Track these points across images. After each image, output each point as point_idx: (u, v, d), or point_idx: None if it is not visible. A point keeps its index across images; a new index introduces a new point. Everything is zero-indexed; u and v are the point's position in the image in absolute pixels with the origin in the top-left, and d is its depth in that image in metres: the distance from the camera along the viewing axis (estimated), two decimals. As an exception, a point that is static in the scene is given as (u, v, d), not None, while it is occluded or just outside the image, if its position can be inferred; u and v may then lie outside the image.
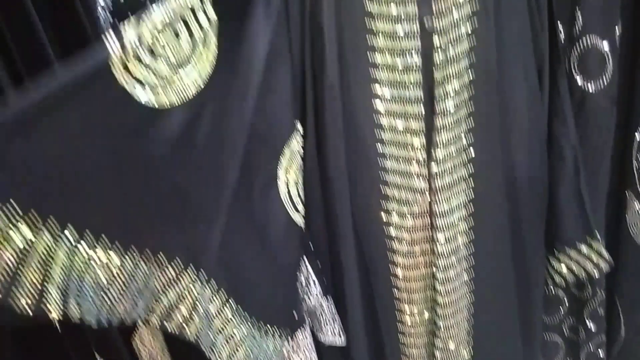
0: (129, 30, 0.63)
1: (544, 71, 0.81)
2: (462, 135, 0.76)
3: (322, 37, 0.75)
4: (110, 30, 0.63)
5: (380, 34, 0.72)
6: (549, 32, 0.80)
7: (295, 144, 0.77)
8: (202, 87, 0.68)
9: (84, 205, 0.63)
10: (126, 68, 0.62)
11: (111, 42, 0.61)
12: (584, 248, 0.84)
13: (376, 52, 0.74)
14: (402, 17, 0.71)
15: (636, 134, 0.84)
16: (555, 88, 0.82)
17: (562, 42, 0.81)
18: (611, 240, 0.90)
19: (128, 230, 0.66)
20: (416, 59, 0.73)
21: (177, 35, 0.65)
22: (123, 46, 0.62)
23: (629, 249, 0.90)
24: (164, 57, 0.65)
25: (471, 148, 0.76)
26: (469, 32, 0.72)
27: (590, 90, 0.81)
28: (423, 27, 0.72)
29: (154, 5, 0.65)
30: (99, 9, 0.78)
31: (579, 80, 0.82)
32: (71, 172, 0.62)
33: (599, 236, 0.83)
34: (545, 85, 0.81)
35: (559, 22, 0.81)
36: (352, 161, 0.78)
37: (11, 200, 0.58)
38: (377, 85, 0.74)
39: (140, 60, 0.63)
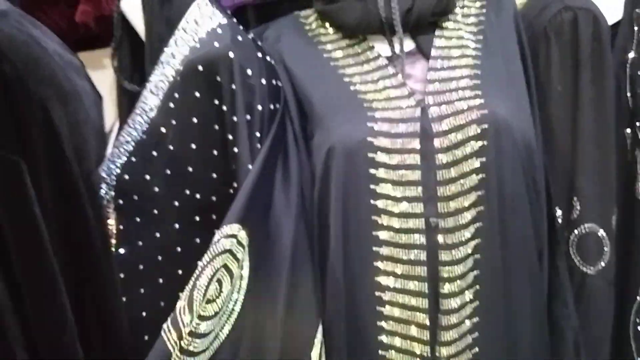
0: (185, 318, 0.64)
1: (543, 254, 0.82)
2: (467, 333, 0.76)
3: (328, 230, 0.76)
4: (169, 324, 0.64)
5: (385, 229, 0.73)
6: (547, 217, 0.82)
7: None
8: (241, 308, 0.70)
9: None
10: (182, 349, 0.64)
11: (171, 338, 0.63)
12: None
13: (382, 246, 0.74)
14: (408, 214, 0.72)
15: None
16: (554, 269, 0.83)
17: (560, 226, 0.83)
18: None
19: None
20: (421, 255, 0.73)
21: (220, 283, 0.67)
22: (180, 336, 0.63)
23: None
24: (213, 317, 0.66)
25: (476, 347, 0.77)
26: (474, 232, 0.73)
27: (590, 272, 0.83)
28: (428, 225, 0.73)
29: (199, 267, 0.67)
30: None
31: (577, 262, 0.84)
32: None
33: None
34: (545, 266, 0.83)
35: (557, 207, 0.83)
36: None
37: None
38: (382, 276, 0.75)
39: (194, 334, 0.64)
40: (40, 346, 0.68)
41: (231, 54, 0.71)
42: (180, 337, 0.63)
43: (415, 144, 0.72)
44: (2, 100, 0.59)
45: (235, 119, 0.73)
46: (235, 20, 0.79)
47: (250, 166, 0.74)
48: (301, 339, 0.74)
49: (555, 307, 0.83)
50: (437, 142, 0.72)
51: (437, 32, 0.80)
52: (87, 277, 0.71)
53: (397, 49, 0.78)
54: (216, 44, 0.72)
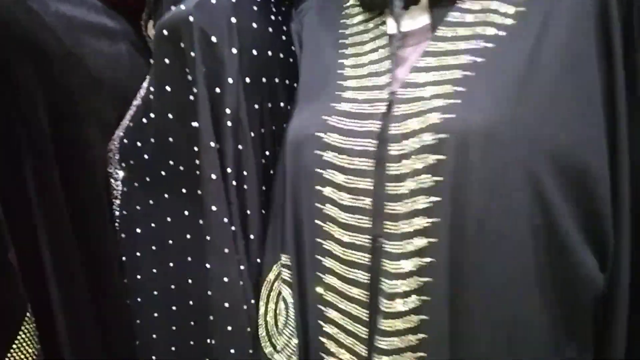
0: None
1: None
2: None
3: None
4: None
5: (329, 239, 0.62)
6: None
7: None
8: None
9: None
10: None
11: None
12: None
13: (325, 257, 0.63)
14: (354, 227, 0.60)
15: None
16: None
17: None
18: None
19: None
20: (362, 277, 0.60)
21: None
22: None
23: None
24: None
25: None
26: (418, 270, 0.56)
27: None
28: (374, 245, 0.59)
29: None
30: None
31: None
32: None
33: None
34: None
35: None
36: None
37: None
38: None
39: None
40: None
41: (191, 18, 0.65)
42: None
43: (370, 145, 0.58)
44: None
45: (195, 89, 0.67)
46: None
47: (212, 144, 0.67)
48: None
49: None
50: (392, 148, 0.56)
51: (459, 4, 0.60)
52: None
53: (393, 27, 0.63)
54: (182, 7, 0.66)
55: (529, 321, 0.56)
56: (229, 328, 0.70)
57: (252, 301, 0.71)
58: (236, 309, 0.70)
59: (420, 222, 0.54)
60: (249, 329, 0.70)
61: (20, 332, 0.66)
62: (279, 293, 0.70)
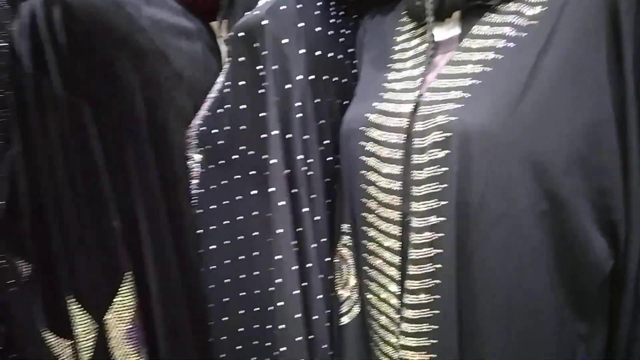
0: None
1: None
2: None
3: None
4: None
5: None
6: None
7: None
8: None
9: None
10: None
11: None
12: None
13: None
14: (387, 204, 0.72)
15: None
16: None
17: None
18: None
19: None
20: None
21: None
22: None
23: None
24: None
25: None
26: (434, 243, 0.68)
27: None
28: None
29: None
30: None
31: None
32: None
33: None
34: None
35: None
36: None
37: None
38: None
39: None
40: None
41: (264, 22, 0.75)
42: None
43: (400, 139, 0.69)
44: (72, 55, 0.76)
45: (266, 83, 0.77)
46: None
47: (276, 132, 0.78)
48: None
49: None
50: (415, 142, 0.68)
51: (485, 18, 0.69)
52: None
53: (430, 37, 0.72)
54: (256, 12, 0.77)
55: (534, 297, 0.66)
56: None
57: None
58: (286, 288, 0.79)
59: (434, 203, 0.66)
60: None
61: (122, 286, 0.79)
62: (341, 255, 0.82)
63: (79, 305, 0.79)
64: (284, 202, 0.77)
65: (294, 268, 0.77)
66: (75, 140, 0.76)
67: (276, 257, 0.78)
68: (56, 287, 0.83)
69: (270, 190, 0.77)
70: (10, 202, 0.85)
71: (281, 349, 0.78)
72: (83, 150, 0.77)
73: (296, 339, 0.77)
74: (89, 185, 0.78)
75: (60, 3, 0.73)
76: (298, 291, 0.77)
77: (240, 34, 0.78)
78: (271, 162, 0.77)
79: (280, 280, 0.78)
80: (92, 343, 0.80)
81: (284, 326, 0.77)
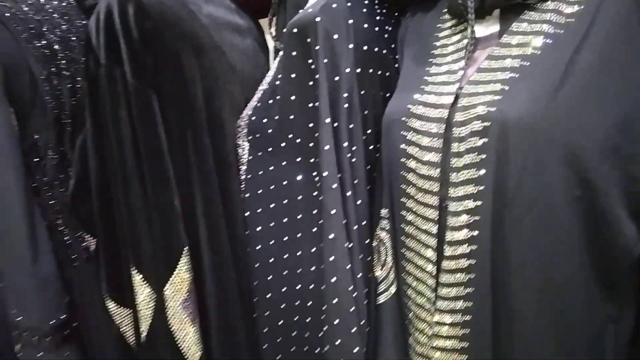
0: None
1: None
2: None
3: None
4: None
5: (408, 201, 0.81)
6: None
7: None
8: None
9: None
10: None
11: None
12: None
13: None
14: (426, 190, 0.77)
15: None
16: None
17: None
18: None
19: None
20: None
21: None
22: None
23: None
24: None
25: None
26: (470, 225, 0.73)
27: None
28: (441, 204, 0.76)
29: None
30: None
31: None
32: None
33: None
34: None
35: None
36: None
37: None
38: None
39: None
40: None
41: (317, 19, 0.82)
42: None
43: (440, 129, 0.75)
44: (143, 48, 0.84)
45: (317, 76, 0.84)
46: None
47: (328, 120, 0.84)
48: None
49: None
50: (454, 131, 0.73)
51: (524, 15, 0.74)
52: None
53: (468, 33, 0.77)
54: (309, 10, 0.83)
55: (566, 278, 0.71)
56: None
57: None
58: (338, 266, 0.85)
59: (471, 188, 0.71)
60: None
61: (180, 261, 0.86)
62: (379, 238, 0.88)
63: (142, 277, 0.87)
64: (335, 185, 0.83)
65: (346, 245, 0.83)
66: (143, 125, 0.84)
67: (329, 236, 0.83)
68: (120, 260, 0.90)
69: (323, 174, 0.83)
70: (80, 180, 0.93)
71: (333, 320, 0.84)
72: (149, 134, 0.84)
73: (350, 310, 0.84)
74: (154, 167, 0.85)
75: (134, 1, 0.81)
76: (349, 265, 0.83)
77: (294, 30, 0.84)
78: (325, 148, 0.83)
79: (332, 257, 0.83)
80: (151, 312, 0.87)
81: (337, 300, 0.83)
